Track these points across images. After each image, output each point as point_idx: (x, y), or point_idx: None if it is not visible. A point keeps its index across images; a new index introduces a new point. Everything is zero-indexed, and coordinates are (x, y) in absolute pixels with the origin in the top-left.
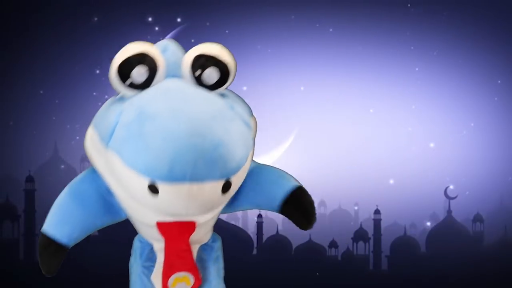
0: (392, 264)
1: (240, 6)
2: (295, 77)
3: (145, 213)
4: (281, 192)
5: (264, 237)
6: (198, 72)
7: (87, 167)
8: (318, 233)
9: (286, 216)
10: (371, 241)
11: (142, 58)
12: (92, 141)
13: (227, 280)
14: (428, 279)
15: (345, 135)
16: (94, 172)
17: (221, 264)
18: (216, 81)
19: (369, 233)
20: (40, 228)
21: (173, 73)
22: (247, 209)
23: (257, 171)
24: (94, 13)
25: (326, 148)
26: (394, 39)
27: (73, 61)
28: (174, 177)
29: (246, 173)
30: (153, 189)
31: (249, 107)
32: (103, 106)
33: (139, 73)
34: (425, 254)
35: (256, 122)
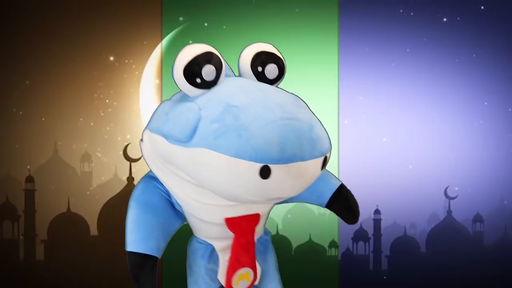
0: (392, 264)
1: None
2: None
3: (213, 211)
4: (328, 190)
5: None
6: (260, 68)
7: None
8: (318, 233)
9: (333, 211)
10: (371, 241)
11: (208, 58)
12: (154, 145)
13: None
14: (428, 279)
15: (344, 135)
16: (152, 179)
17: (275, 254)
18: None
19: (369, 233)
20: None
21: (226, 73)
22: (295, 202)
23: None
24: (94, 12)
25: None
26: (393, 39)
27: (72, 61)
28: (286, 158)
29: None
30: (265, 172)
31: None
32: (159, 109)
33: (208, 72)
34: (425, 254)
35: None
